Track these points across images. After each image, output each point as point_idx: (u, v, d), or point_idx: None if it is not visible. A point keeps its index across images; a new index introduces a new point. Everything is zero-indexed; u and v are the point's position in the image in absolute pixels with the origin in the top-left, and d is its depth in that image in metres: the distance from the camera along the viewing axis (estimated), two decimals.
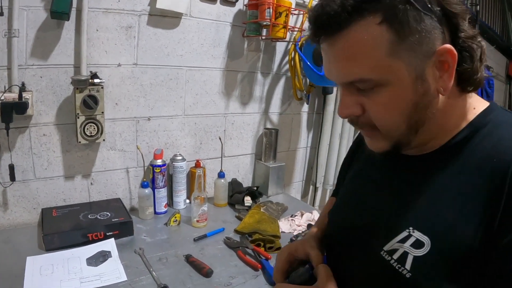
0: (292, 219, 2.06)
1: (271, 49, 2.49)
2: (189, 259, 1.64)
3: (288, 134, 2.76)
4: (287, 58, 2.54)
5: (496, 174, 0.75)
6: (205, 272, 1.55)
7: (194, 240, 1.83)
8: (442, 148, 0.85)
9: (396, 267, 0.80)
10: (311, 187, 3.03)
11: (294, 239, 1.86)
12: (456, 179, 0.80)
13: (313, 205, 3.00)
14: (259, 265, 1.63)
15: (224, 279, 1.54)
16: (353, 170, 1.15)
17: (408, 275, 0.77)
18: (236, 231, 1.93)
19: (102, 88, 1.83)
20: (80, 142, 1.85)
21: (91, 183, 2.02)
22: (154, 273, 1.53)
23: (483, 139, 0.81)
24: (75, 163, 1.96)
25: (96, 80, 1.81)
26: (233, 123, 2.42)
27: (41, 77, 1.80)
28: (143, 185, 1.97)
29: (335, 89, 2.72)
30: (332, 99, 2.76)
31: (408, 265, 0.78)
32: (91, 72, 1.83)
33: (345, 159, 1.29)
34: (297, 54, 2.38)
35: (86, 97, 1.79)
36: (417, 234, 0.79)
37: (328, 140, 2.84)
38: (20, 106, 1.69)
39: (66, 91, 1.85)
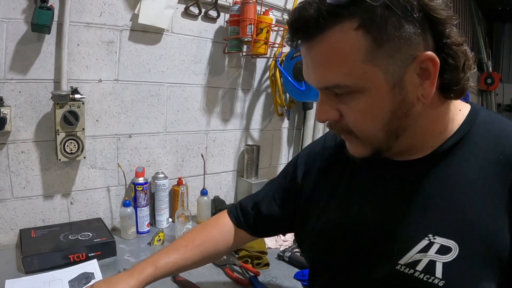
0: (278, 235, 2.03)
1: (251, 65, 2.48)
2: (176, 279, 1.59)
3: (269, 151, 2.73)
4: (267, 74, 2.54)
5: (507, 169, 0.75)
6: None
7: None
8: (436, 152, 0.84)
9: (424, 279, 0.76)
10: None
11: (281, 254, 1.82)
12: (464, 179, 0.79)
13: None
14: (247, 282, 1.59)
15: None
16: (328, 189, 1.07)
17: (441, 284, 0.74)
18: None
19: (83, 104, 1.78)
20: (60, 159, 1.79)
21: (71, 203, 1.95)
22: None
23: (480, 138, 0.81)
24: (55, 182, 1.89)
25: (77, 96, 1.76)
26: (214, 140, 2.38)
27: (20, 92, 1.74)
28: (125, 204, 1.91)
29: (315, 104, 2.71)
30: (312, 114, 2.76)
31: (438, 273, 0.75)
32: (71, 87, 1.79)
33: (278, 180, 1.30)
34: (277, 70, 2.37)
35: (67, 113, 1.74)
36: (441, 240, 0.77)
37: None
38: None
39: (45, 106, 1.80)
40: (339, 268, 0.98)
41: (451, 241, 0.75)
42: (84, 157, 1.86)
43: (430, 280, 0.74)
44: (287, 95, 2.58)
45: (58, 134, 1.78)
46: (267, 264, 1.76)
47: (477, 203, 0.76)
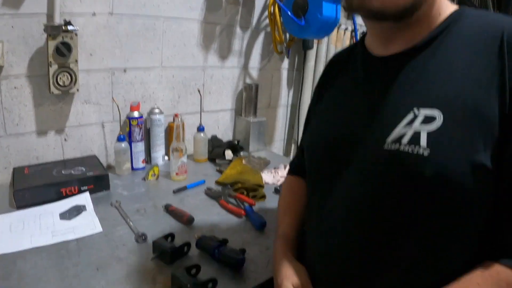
0: (275, 171, 1.91)
1: (250, 2, 2.30)
2: (168, 209, 1.49)
3: (268, 91, 2.60)
4: (266, 13, 2.36)
5: (491, 42, 0.72)
6: (185, 219, 1.41)
7: (174, 192, 1.68)
8: (426, 39, 0.80)
9: (409, 151, 0.72)
10: (292, 146, 2.88)
11: (278, 188, 1.72)
12: (449, 57, 0.76)
13: None
14: (242, 212, 1.49)
15: (206, 227, 1.40)
16: (326, 97, 1.05)
17: (425, 153, 0.70)
18: (217, 183, 1.79)
19: (76, 35, 1.65)
20: (52, 92, 1.67)
21: (65, 139, 1.85)
22: (131, 223, 1.40)
23: (468, 24, 0.78)
24: (48, 117, 1.78)
25: (70, 27, 1.62)
26: (212, 77, 2.24)
27: (12, 26, 1.61)
28: (119, 139, 1.80)
29: (315, 44, 2.56)
30: (312, 55, 2.61)
31: (423, 142, 0.71)
32: (64, 20, 1.65)
33: (310, 106, 1.20)
34: (276, 7, 2.21)
35: (59, 44, 1.61)
36: (425, 111, 0.73)
37: (309, 98, 2.64)
38: None
39: (38, 41, 1.67)
40: (331, 171, 0.92)
41: (435, 110, 0.72)
42: (78, 90, 1.73)
43: (415, 152, 0.70)
44: (287, 35, 2.44)
45: (51, 66, 1.65)
46: (263, 197, 1.66)
47: (462, 75, 0.73)
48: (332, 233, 0.88)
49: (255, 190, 1.67)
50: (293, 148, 2.89)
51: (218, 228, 1.41)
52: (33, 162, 1.80)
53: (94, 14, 1.76)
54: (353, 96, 0.92)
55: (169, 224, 1.42)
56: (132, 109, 1.87)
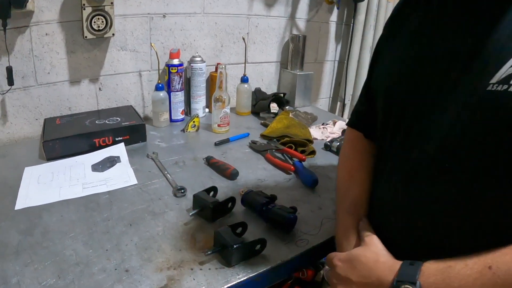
0: (324, 127, 1.71)
1: None
2: (210, 161, 1.32)
3: (315, 44, 2.35)
4: None
5: None
6: (229, 173, 1.24)
7: (215, 144, 1.52)
8: None
9: None
10: (338, 104, 2.66)
11: (328, 144, 1.53)
12: None
13: None
14: (292, 167, 1.30)
15: (252, 182, 1.22)
16: (404, 31, 0.83)
17: None
18: (262, 136, 1.61)
19: None
20: (86, 37, 1.52)
21: (100, 89, 1.71)
22: (169, 176, 1.24)
23: None
24: (81, 65, 1.64)
25: None
26: (257, 26, 2.04)
27: None
28: (158, 88, 1.64)
29: None
30: (363, 7, 2.36)
31: None
32: None
33: (379, 42, 0.95)
34: None
35: None
36: None
37: (357, 53, 2.43)
38: (18, 0, 1.36)
39: None
40: (416, 113, 0.72)
41: None
42: (113, 35, 1.57)
43: None
44: None
45: (84, 9, 1.48)
46: (313, 152, 1.46)
47: None
48: (418, 192, 0.70)
49: (304, 145, 1.48)
50: (338, 106, 2.67)
51: (265, 184, 1.23)
52: (66, 113, 1.67)
53: None
54: (443, 30, 0.72)
55: (210, 178, 1.25)
56: (171, 56, 1.69)
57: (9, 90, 1.51)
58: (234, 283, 0.81)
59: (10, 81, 1.47)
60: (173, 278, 0.82)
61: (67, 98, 1.66)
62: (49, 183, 1.23)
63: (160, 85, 1.64)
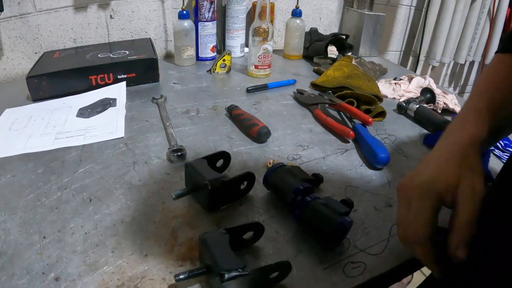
0: (396, 83, 1.26)
1: None
2: (232, 113, 0.92)
3: None
4: None
5: None
6: (255, 131, 0.84)
7: (247, 91, 1.13)
8: None
9: None
10: (411, 59, 2.19)
11: (404, 105, 1.07)
12: None
13: None
14: (351, 132, 0.88)
15: (289, 148, 0.81)
16: None
17: None
18: (313, 85, 1.19)
19: None
20: None
21: (111, 16, 1.39)
22: (172, 130, 0.88)
23: None
24: None
25: None
26: None
27: None
28: (181, 15, 1.28)
29: None
30: None
31: None
32: None
33: None
34: None
35: None
36: None
37: (439, 0, 1.97)
38: None
39: None
40: None
41: None
42: None
43: None
44: None
45: None
46: (383, 114, 1.02)
47: None
48: None
49: (370, 102, 1.05)
50: (410, 62, 2.19)
51: (307, 154, 0.83)
52: (70, 46, 1.39)
53: None
54: None
55: (228, 138, 0.87)
56: None
57: (1, 18, 1.28)
58: None
59: (0, 6, 1.21)
60: None
61: (71, 27, 1.39)
62: (21, 130, 0.96)
63: (184, 12, 1.28)
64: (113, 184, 0.70)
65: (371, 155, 0.80)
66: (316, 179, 0.67)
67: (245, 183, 0.64)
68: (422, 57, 2.11)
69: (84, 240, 0.57)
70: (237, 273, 0.44)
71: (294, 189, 0.59)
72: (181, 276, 0.46)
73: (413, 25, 2.10)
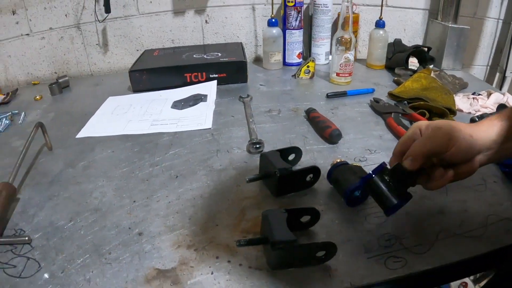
0: (474, 98, 1.26)
1: None
2: (310, 115, 0.99)
3: None
4: None
5: None
6: (328, 133, 0.90)
7: (327, 96, 1.19)
8: None
9: None
10: (497, 75, 2.11)
11: (477, 119, 1.07)
12: None
13: None
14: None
15: (357, 151, 0.87)
16: None
17: None
18: (390, 95, 1.22)
19: None
20: None
21: (206, 21, 1.52)
22: (254, 125, 0.96)
23: None
24: None
25: None
26: None
27: None
28: (270, 23, 1.37)
29: None
30: None
31: None
32: None
33: None
34: None
35: None
36: None
37: None
38: None
39: None
40: None
41: None
42: None
43: None
44: None
45: None
46: None
47: None
48: None
49: (442, 114, 1.07)
50: (497, 78, 2.13)
51: (374, 157, 0.87)
52: (168, 46, 1.54)
53: None
54: None
55: (303, 137, 0.93)
56: None
57: (107, 18, 1.45)
58: None
59: (107, 8, 1.40)
60: (186, 262, 0.57)
61: (170, 29, 1.53)
62: (122, 115, 1.10)
63: (273, 20, 1.36)
64: (197, 166, 0.80)
65: None
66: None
67: (311, 176, 0.70)
68: (508, 73, 2.05)
69: (167, 207, 0.68)
70: (289, 242, 0.51)
71: (351, 184, 0.64)
72: (242, 242, 0.53)
73: (501, 38, 2.05)
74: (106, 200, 0.73)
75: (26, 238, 0.63)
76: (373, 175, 0.57)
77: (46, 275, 0.57)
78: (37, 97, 1.41)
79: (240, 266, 0.55)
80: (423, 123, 0.60)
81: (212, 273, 0.54)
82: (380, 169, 0.58)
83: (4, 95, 1.55)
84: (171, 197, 0.71)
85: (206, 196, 0.70)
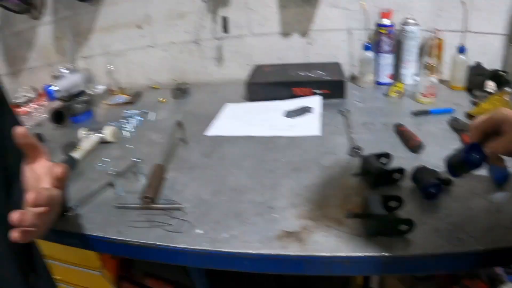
0: None
1: None
2: (398, 128, 1.22)
3: None
4: None
5: None
6: (412, 144, 1.13)
7: (413, 114, 1.39)
8: None
9: None
10: None
11: None
12: None
13: None
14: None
15: (435, 161, 1.08)
16: None
17: None
18: (468, 115, 1.41)
19: None
20: None
21: (309, 43, 1.74)
22: (352, 135, 1.20)
23: None
24: (293, 20, 1.73)
25: None
26: None
27: None
28: (366, 47, 1.59)
29: None
30: None
31: None
32: None
33: None
34: None
35: None
36: None
37: None
38: None
39: None
40: None
41: None
42: None
43: None
44: None
45: None
46: None
47: None
48: None
49: None
50: None
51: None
52: (275, 62, 1.79)
53: None
54: None
55: (392, 146, 1.16)
56: (383, 16, 1.60)
57: (224, 37, 1.74)
58: (359, 254, 0.75)
59: (225, 29, 1.69)
60: (307, 228, 0.82)
61: (277, 49, 1.77)
62: (241, 119, 1.37)
63: (368, 44, 1.59)
64: (310, 163, 1.06)
65: (493, 173, 0.97)
66: (446, 181, 0.91)
67: (397, 174, 0.94)
68: None
69: (289, 191, 0.95)
70: (381, 215, 0.76)
71: (429, 183, 0.87)
72: (349, 214, 0.79)
73: None
74: (240, 183, 1.00)
75: (180, 205, 0.92)
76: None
77: (199, 231, 0.84)
78: (162, 99, 1.70)
79: (345, 233, 0.79)
80: (509, 112, 0.64)
81: (325, 237, 0.79)
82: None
83: (129, 95, 1.87)
84: (292, 183, 0.97)
85: (319, 185, 0.96)
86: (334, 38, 1.73)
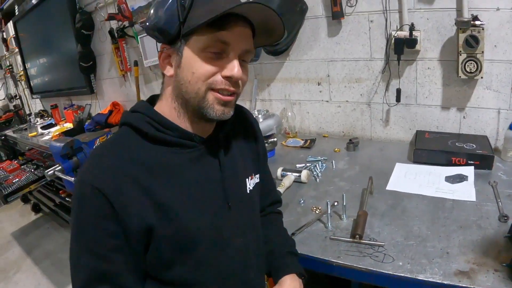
0: None
1: None
2: None
3: None
4: None
5: None
6: None
7: None
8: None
9: None
10: None
11: None
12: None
13: None
14: None
15: None
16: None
17: None
18: None
19: (482, 29, 1.82)
20: (460, 76, 1.93)
21: (464, 117, 2.05)
22: (500, 203, 1.51)
23: None
24: (452, 96, 2.05)
25: (477, 22, 1.81)
26: None
27: (427, 19, 1.98)
28: (511, 127, 1.87)
29: None
30: None
31: None
32: (472, 15, 1.84)
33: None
34: None
35: (468, 37, 1.83)
36: None
37: None
38: (410, 42, 1.98)
39: (449, 31, 1.96)
40: None
41: None
42: (482, 77, 1.91)
43: None
44: None
45: (460, 55, 1.90)
46: None
47: None
48: None
49: None
50: None
51: None
52: (433, 130, 2.13)
53: (498, 9, 1.84)
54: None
55: None
56: None
57: (395, 104, 2.11)
58: None
59: (398, 99, 2.09)
60: (474, 270, 1.15)
61: (436, 118, 2.12)
62: (412, 179, 1.75)
63: None
64: (471, 223, 1.35)
65: None
66: None
67: None
68: None
69: (458, 242, 1.31)
70: None
71: None
72: (504, 264, 1.15)
73: None
74: (422, 232, 1.34)
75: (382, 243, 1.33)
76: None
77: (400, 263, 1.24)
78: (336, 149, 2.15)
79: (499, 277, 1.11)
80: None
81: (486, 277, 1.11)
82: None
83: (303, 140, 2.37)
84: (460, 237, 1.29)
85: (479, 241, 1.26)
86: (485, 115, 1.97)
